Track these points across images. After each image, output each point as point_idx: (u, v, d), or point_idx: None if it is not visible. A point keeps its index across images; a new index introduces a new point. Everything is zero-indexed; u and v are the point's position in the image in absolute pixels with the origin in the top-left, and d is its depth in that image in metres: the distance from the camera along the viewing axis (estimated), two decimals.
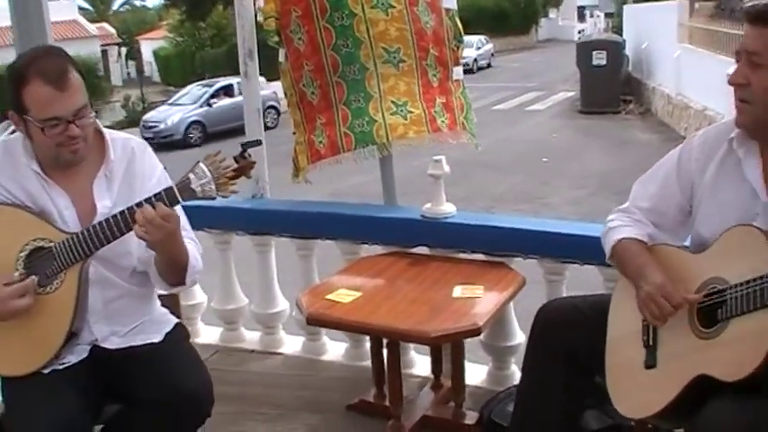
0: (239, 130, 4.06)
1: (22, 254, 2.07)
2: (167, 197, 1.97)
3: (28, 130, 2.07)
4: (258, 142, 2.18)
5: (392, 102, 3.48)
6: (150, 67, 39.15)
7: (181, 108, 22.61)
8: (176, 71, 34.43)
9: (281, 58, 3.60)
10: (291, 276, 3.82)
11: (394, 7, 3.43)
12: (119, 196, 2.16)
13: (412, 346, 3.44)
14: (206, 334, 3.99)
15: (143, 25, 41.26)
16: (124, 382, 2.12)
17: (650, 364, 1.93)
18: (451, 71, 3.65)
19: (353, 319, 2.66)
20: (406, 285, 2.91)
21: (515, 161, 15.21)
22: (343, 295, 2.82)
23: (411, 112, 3.47)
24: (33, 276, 2.03)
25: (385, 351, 2.93)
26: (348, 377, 3.46)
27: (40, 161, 2.14)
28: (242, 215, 3.72)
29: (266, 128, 4.14)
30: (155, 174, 2.25)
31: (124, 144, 2.26)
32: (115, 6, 49.56)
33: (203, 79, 26.24)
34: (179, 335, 2.30)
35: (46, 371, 2.08)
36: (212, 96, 22.89)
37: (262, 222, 3.67)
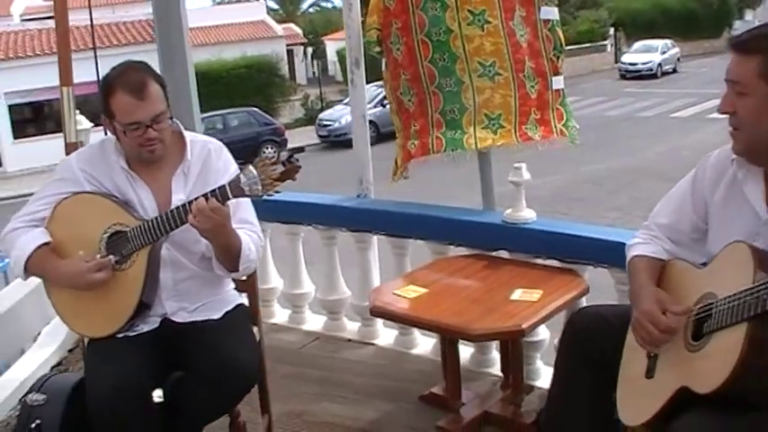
0: None
1: (105, 235, 2.42)
2: (219, 193, 2.25)
3: (115, 132, 2.43)
4: (302, 149, 2.43)
5: (485, 115, 3.61)
6: (334, 67, 40.63)
7: None
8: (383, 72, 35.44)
9: (383, 67, 3.84)
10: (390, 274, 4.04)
11: (490, 23, 3.56)
12: (193, 190, 2.46)
13: (494, 345, 3.57)
14: (311, 321, 4.30)
15: (329, 25, 42.78)
16: (185, 351, 2.43)
17: (650, 374, 1.99)
18: (551, 81, 3.73)
19: (409, 314, 2.85)
20: (473, 286, 3.06)
21: (687, 171, 14.62)
22: (411, 291, 3.01)
23: (503, 126, 3.60)
24: (111, 256, 2.38)
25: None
26: (429, 371, 3.62)
27: (128, 159, 2.49)
28: (345, 213, 3.99)
29: None
30: (228, 171, 2.54)
31: (203, 146, 2.58)
32: (304, 6, 51.63)
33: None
34: (238, 314, 2.60)
35: (119, 336, 2.44)
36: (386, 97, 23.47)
37: (361, 221, 3.92)
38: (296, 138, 24.90)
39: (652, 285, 2.03)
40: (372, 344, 4.00)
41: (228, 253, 2.41)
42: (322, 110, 26.98)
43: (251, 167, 2.24)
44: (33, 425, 2.51)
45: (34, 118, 24.65)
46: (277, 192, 2.27)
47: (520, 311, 2.73)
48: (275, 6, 47.25)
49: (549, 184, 15.15)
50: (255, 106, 24.50)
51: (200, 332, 2.46)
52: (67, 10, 3.03)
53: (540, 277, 3.05)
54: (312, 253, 4.30)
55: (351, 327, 4.18)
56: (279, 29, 33.38)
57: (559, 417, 2.34)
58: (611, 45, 36.87)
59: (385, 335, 4.04)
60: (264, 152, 21.24)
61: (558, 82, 3.76)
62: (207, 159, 2.56)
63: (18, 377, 3.54)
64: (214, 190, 2.27)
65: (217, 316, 2.54)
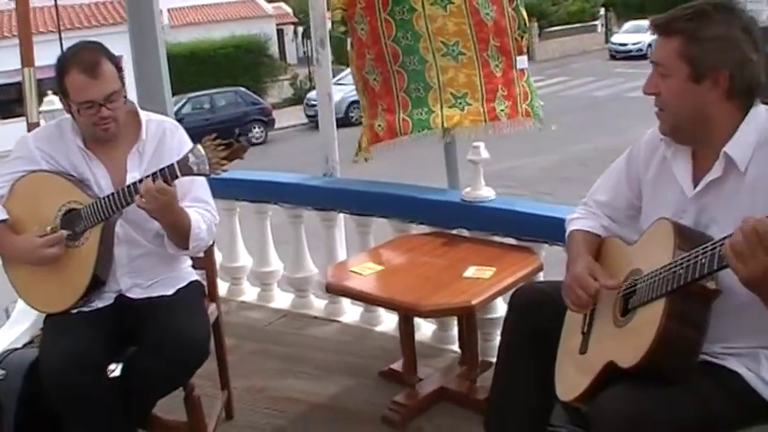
0: None
1: (59, 212, 2.47)
2: (168, 172, 2.29)
3: (70, 111, 2.46)
4: (249, 130, 2.47)
5: (451, 94, 3.64)
6: None
7: (342, 88, 23.32)
8: (348, 52, 35.36)
9: (348, 47, 3.86)
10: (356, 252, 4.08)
11: (453, 3, 3.58)
12: (148, 169, 2.49)
13: (454, 322, 3.62)
14: (279, 299, 4.35)
15: None
16: (139, 327, 2.47)
17: (583, 350, 2.03)
18: (515, 60, 3.75)
19: (363, 291, 2.89)
20: (428, 263, 3.10)
21: None
22: (366, 268, 3.05)
23: (469, 104, 3.62)
24: (63, 231, 2.43)
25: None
26: (392, 347, 3.64)
27: (84, 138, 2.53)
28: (310, 192, 4.02)
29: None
30: (182, 151, 2.55)
31: (158, 125, 2.62)
32: None
33: None
34: (191, 290, 2.64)
35: (74, 311, 2.48)
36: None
37: (326, 199, 3.96)
38: (284, 117, 24.83)
39: (587, 255, 2.07)
40: (338, 321, 4.05)
41: (177, 231, 2.45)
42: (311, 89, 26.90)
43: (199, 146, 2.28)
44: None
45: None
46: (224, 170, 2.31)
47: (471, 288, 2.78)
48: None
49: (534, 165, 15.22)
50: (243, 86, 24.42)
51: (152, 308, 2.50)
52: None
53: (495, 255, 3.10)
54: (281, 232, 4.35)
55: (317, 304, 4.23)
56: (269, 8, 33.12)
57: (504, 392, 2.35)
58: (602, 25, 36.76)
59: (351, 312, 4.08)
60: (251, 132, 21.27)
61: (521, 62, 3.78)
62: (162, 138, 2.59)
63: None
64: (163, 169, 2.31)
65: (170, 292, 2.59)
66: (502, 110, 3.66)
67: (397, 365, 3.35)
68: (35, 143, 2.56)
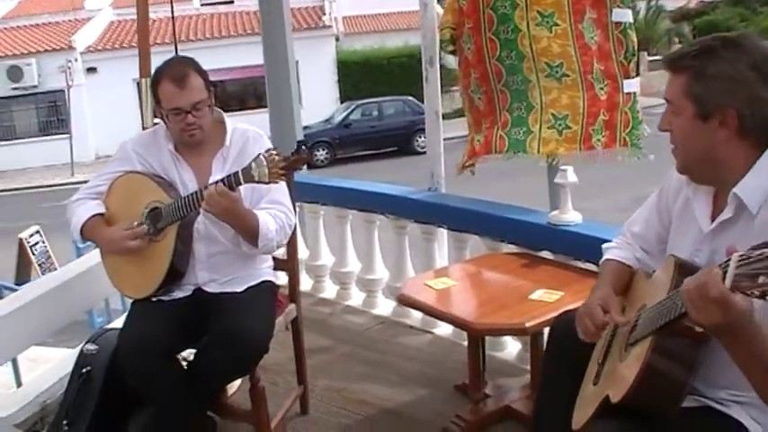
0: None
1: (146, 210, 2.75)
2: (233, 179, 2.51)
3: (163, 117, 2.74)
4: (307, 142, 2.65)
5: (552, 114, 3.66)
6: None
7: None
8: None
9: (454, 65, 3.96)
10: None
11: (558, 25, 3.60)
12: (230, 173, 2.73)
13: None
14: (381, 306, 4.52)
15: None
16: (209, 319, 2.70)
17: (596, 381, 2.03)
18: (621, 84, 3.71)
19: (428, 304, 2.98)
20: (501, 282, 3.16)
21: None
22: (440, 283, 3.14)
23: (569, 127, 3.62)
24: (144, 226, 2.71)
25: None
26: None
27: (175, 143, 2.80)
28: (413, 205, 4.15)
29: None
30: None
31: (242, 133, 2.86)
32: None
33: None
34: (261, 289, 2.85)
35: (153, 299, 2.76)
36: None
37: (427, 213, 4.08)
38: (452, 128, 24.89)
39: (608, 286, 2.07)
40: (431, 332, 4.15)
41: (246, 232, 2.67)
42: None
43: (262, 157, 2.48)
44: (84, 370, 2.91)
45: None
46: (282, 179, 2.50)
47: (532, 310, 2.80)
48: None
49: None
50: (415, 95, 24.85)
51: (222, 302, 2.73)
52: (148, 6, 3.38)
53: (569, 279, 3.09)
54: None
55: (416, 314, 4.33)
56: None
57: (541, 420, 2.38)
58: None
59: (444, 325, 4.17)
60: (417, 141, 21.62)
61: (629, 85, 3.72)
62: (245, 145, 2.82)
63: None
64: (229, 176, 2.53)
65: (240, 289, 2.80)
66: (598, 139, 3.62)
67: None
68: (133, 147, 2.88)
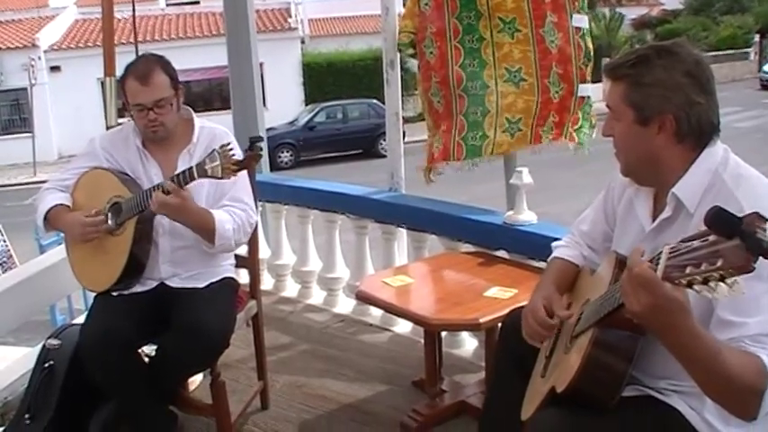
0: None
1: (107, 204, 2.81)
2: (188, 173, 2.59)
3: (130, 113, 2.80)
4: (260, 138, 2.72)
5: (506, 118, 3.79)
6: None
7: None
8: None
9: (416, 69, 4.05)
10: None
11: (519, 31, 3.75)
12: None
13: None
14: (342, 304, 4.59)
15: None
16: (170, 313, 2.75)
17: (543, 373, 2.13)
18: (577, 88, 3.84)
19: (386, 300, 3.06)
20: (456, 280, 3.25)
21: None
22: (398, 280, 3.23)
23: (520, 130, 3.76)
24: (102, 216, 2.77)
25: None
26: None
27: (142, 139, 2.85)
28: (373, 205, 4.23)
29: None
30: None
31: (209, 131, 2.94)
32: None
33: None
34: (220, 285, 2.90)
35: (115, 294, 2.80)
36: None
37: (387, 213, 4.16)
38: (417, 131, 25.03)
39: (550, 285, 2.16)
40: (391, 330, 4.23)
41: (201, 230, 2.73)
42: None
43: (215, 153, 2.54)
44: (47, 365, 2.94)
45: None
46: (235, 175, 2.56)
47: (486, 307, 2.89)
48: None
49: None
50: (378, 98, 24.98)
51: (183, 297, 2.79)
52: (113, 5, 3.42)
53: (524, 277, 3.19)
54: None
55: (375, 312, 4.41)
56: None
57: (489, 413, 2.46)
58: (755, 53, 35.08)
59: (404, 323, 4.25)
60: (381, 144, 21.70)
61: (584, 90, 3.86)
62: (211, 142, 2.87)
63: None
64: (184, 171, 2.60)
65: (201, 285, 2.86)
66: (547, 137, 3.78)
67: None
68: (100, 143, 2.94)
